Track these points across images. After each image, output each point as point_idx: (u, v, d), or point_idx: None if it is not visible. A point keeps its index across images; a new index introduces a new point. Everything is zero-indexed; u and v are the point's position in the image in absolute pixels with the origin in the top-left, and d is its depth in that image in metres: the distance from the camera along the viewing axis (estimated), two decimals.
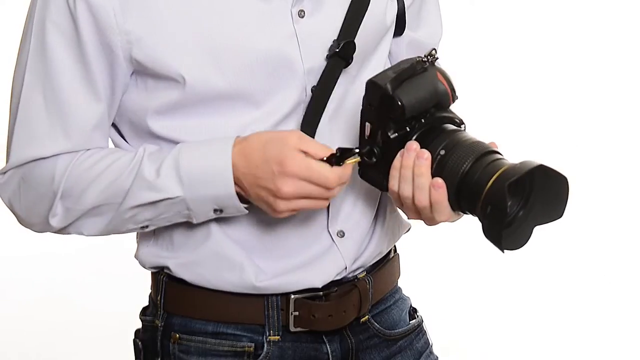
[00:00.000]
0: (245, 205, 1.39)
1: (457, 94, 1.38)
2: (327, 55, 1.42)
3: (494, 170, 1.29)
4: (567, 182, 1.30)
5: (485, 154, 1.32)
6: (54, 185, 1.40)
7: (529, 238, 1.32)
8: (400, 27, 1.54)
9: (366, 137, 1.36)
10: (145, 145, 1.41)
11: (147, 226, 1.42)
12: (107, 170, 1.39)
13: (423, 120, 1.35)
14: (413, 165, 1.33)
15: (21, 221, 1.48)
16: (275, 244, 1.46)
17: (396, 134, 1.35)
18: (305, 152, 1.33)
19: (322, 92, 1.42)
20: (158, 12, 1.35)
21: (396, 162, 1.35)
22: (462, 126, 1.38)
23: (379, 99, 1.33)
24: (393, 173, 1.35)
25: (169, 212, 1.39)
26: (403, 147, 1.35)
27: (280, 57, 1.39)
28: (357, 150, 1.36)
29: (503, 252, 1.29)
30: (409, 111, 1.33)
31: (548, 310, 3.79)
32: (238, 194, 1.37)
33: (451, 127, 1.36)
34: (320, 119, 1.42)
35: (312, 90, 1.42)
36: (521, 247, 1.31)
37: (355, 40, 1.43)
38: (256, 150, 1.34)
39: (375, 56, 1.50)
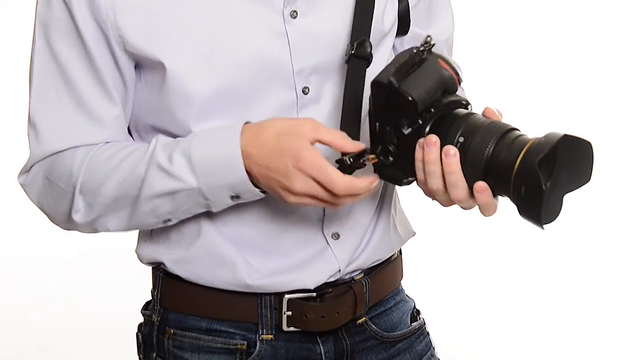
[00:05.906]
0: (261, 190, 1.36)
1: (461, 76, 1.36)
2: (345, 59, 1.41)
3: (520, 147, 1.26)
4: (591, 146, 1.28)
5: (506, 133, 1.29)
6: (73, 179, 1.40)
7: (561, 207, 1.29)
8: (404, 26, 1.53)
9: (378, 137, 1.34)
10: (158, 136, 1.40)
11: (169, 220, 1.42)
12: (123, 162, 1.39)
13: (433, 110, 1.32)
14: (439, 161, 1.30)
15: (52, 219, 1.49)
16: (269, 243, 1.46)
17: (410, 129, 1.32)
18: (319, 141, 1.32)
19: (351, 97, 1.41)
20: (147, 9, 1.36)
21: (418, 154, 1.31)
22: (469, 107, 1.35)
23: (385, 97, 1.30)
24: (418, 165, 1.32)
25: (188, 203, 1.39)
26: (418, 139, 1.32)
27: (269, 58, 1.39)
28: (370, 151, 1.34)
29: (543, 228, 1.27)
30: (421, 105, 1.30)
31: (556, 313, 3.76)
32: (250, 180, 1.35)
33: (463, 111, 1.33)
34: (360, 124, 1.41)
35: (303, 91, 1.41)
36: (556, 218, 1.28)
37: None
38: (270, 141, 1.32)
39: (377, 55, 1.46)
